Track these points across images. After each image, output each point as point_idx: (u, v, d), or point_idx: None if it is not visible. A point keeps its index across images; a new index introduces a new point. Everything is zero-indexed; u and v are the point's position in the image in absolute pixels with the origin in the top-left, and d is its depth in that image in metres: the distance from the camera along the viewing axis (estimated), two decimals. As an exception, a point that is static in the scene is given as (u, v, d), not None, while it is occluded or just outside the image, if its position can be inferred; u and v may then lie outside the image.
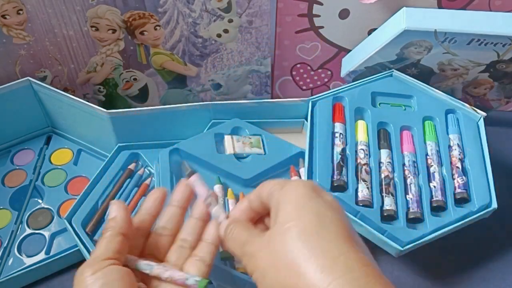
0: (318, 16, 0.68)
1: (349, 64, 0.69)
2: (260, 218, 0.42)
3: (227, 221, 0.41)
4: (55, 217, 0.63)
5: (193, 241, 0.42)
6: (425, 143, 0.61)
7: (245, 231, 0.39)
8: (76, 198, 0.62)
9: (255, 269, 0.36)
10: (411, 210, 0.56)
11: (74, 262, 0.60)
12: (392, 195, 0.56)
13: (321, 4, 0.66)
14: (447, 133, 0.62)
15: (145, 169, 0.67)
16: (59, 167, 0.70)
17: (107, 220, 0.41)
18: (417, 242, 0.53)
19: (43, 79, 0.70)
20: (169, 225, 0.43)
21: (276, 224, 0.36)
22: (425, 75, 0.67)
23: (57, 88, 0.66)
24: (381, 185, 0.57)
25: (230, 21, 0.66)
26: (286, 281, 0.33)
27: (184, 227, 0.43)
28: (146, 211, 0.43)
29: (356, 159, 0.59)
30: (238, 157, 0.62)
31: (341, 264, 0.33)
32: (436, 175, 0.58)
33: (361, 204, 0.55)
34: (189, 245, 0.42)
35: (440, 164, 0.59)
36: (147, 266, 0.40)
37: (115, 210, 0.40)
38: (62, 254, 0.59)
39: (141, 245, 0.42)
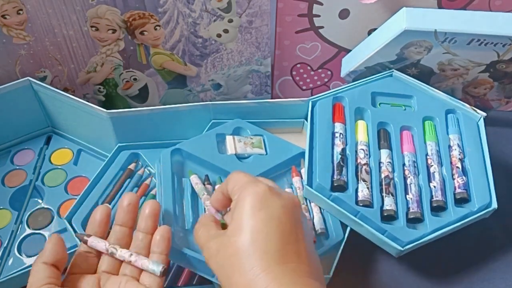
0: (318, 16, 0.68)
1: (349, 64, 0.69)
2: None
3: (146, 264, 0.46)
4: (55, 217, 0.63)
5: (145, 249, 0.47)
6: (425, 143, 0.61)
7: (206, 231, 0.44)
8: (76, 198, 0.62)
9: (212, 261, 0.42)
10: (411, 210, 0.56)
11: (74, 262, 0.60)
12: (392, 195, 0.56)
13: (321, 4, 0.66)
14: (447, 133, 0.62)
15: (145, 169, 0.67)
16: (59, 167, 0.70)
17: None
18: (417, 242, 0.53)
19: (43, 79, 0.70)
20: (121, 244, 0.48)
21: (226, 235, 0.41)
22: (425, 75, 0.67)
23: (57, 88, 0.66)
24: (381, 185, 0.57)
25: (230, 21, 0.66)
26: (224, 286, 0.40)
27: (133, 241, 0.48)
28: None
29: (356, 159, 0.59)
30: (240, 157, 0.62)
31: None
32: (436, 175, 0.58)
33: (361, 204, 0.55)
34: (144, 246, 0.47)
35: (440, 164, 0.59)
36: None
37: (47, 242, 0.46)
38: (62, 254, 0.59)
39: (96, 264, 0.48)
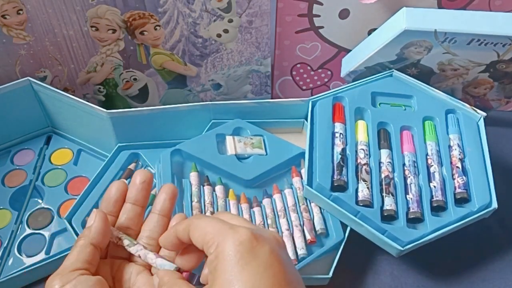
0: (318, 16, 0.68)
1: (349, 64, 0.69)
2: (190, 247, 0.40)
3: (158, 264, 0.40)
4: (55, 217, 0.63)
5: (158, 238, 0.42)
6: (425, 143, 0.61)
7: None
8: (76, 198, 0.62)
9: None
10: (411, 210, 0.56)
11: (74, 262, 0.60)
12: (392, 195, 0.56)
13: (321, 4, 0.66)
14: (447, 133, 0.62)
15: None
16: (59, 167, 0.70)
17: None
18: (417, 242, 0.53)
19: (43, 79, 0.70)
20: (132, 225, 0.43)
21: None
22: (425, 75, 0.67)
23: (57, 88, 0.66)
24: (381, 185, 0.57)
25: (230, 21, 0.66)
26: None
27: (146, 224, 0.43)
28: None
29: (356, 159, 0.59)
30: (240, 157, 0.62)
31: None
32: (436, 175, 0.58)
33: (361, 204, 0.55)
34: (155, 243, 0.42)
35: (440, 164, 0.59)
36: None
37: (92, 219, 0.40)
38: (62, 254, 0.59)
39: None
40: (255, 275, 0.34)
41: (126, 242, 0.41)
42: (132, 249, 0.41)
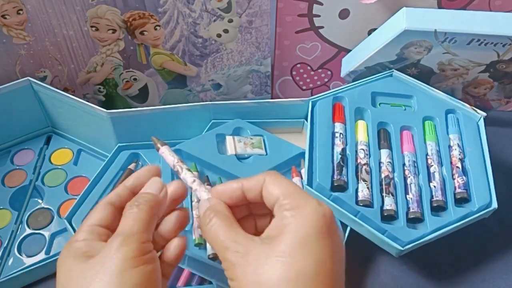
0: (318, 16, 0.68)
1: (349, 64, 0.69)
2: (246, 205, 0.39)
3: (207, 202, 0.38)
4: (55, 217, 0.63)
5: None
6: (425, 143, 0.61)
7: (228, 230, 0.35)
8: (76, 198, 0.62)
9: (234, 278, 0.34)
10: (411, 210, 0.56)
11: (74, 262, 0.60)
12: (392, 195, 0.56)
13: (321, 4, 0.66)
14: (447, 133, 0.62)
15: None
16: (59, 167, 0.70)
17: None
18: (417, 242, 0.53)
19: (43, 79, 0.70)
20: None
21: (272, 251, 0.33)
22: (425, 75, 0.67)
23: (57, 88, 0.66)
24: (381, 185, 0.57)
25: (230, 21, 0.66)
26: None
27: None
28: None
29: (356, 159, 0.59)
30: (240, 157, 0.62)
31: None
32: (436, 175, 0.58)
33: (361, 204, 0.55)
34: None
35: (440, 164, 0.59)
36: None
37: (152, 186, 0.38)
38: (62, 254, 0.59)
39: None
40: (328, 253, 0.34)
41: (180, 170, 0.41)
42: (184, 178, 0.40)
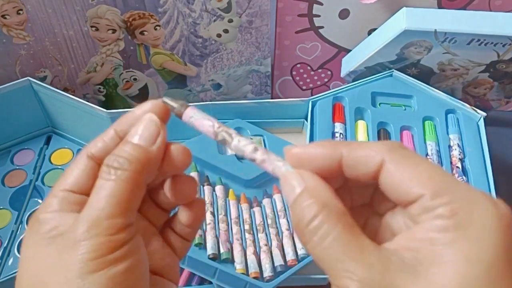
0: (318, 16, 0.68)
1: (349, 64, 0.69)
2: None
3: (299, 181, 0.24)
4: (55, 217, 0.63)
5: None
6: (425, 143, 0.61)
7: (349, 243, 0.22)
8: (76, 198, 0.62)
9: None
10: (411, 210, 0.56)
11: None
12: (392, 195, 0.56)
13: (321, 4, 0.66)
14: (447, 133, 0.62)
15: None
16: (59, 167, 0.70)
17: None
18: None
19: (43, 79, 0.70)
20: None
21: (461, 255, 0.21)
22: (425, 75, 0.67)
23: (57, 88, 0.66)
24: (381, 185, 0.57)
25: (230, 21, 0.66)
26: None
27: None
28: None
29: (356, 159, 0.59)
30: (240, 157, 0.62)
31: None
32: (436, 175, 0.58)
33: (361, 204, 0.55)
34: None
35: (440, 164, 0.59)
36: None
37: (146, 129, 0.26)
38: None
39: None
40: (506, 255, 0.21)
41: (228, 138, 0.27)
42: (238, 147, 0.27)
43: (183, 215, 0.29)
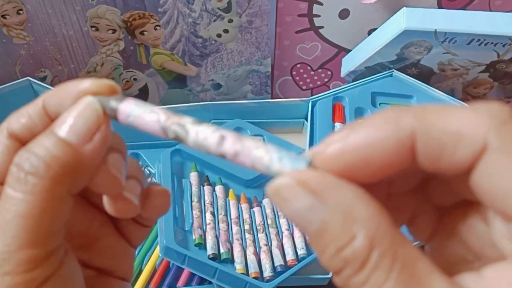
0: (318, 16, 0.68)
1: (349, 64, 0.69)
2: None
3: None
4: (55, 217, 0.63)
5: None
6: (425, 143, 0.61)
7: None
8: (76, 198, 0.62)
9: None
10: (411, 210, 0.56)
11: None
12: (392, 195, 0.56)
13: (321, 4, 0.66)
14: (447, 133, 0.62)
15: (145, 169, 0.67)
16: (59, 167, 0.69)
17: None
18: (417, 242, 0.53)
19: (43, 79, 0.70)
20: None
21: None
22: (425, 75, 0.67)
23: (57, 88, 0.66)
24: (381, 185, 0.57)
25: (230, 21, 0.66)
26: None
27: None
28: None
29: (356, 159, 0.59)
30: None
31: None
32: (436, 175, 0.58)
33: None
34: None
35: (440, 164, 0.59)
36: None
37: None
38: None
39: None
40: None
41: (182, 132, 0.20)
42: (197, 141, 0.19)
43: (144, 203, 0.22)
